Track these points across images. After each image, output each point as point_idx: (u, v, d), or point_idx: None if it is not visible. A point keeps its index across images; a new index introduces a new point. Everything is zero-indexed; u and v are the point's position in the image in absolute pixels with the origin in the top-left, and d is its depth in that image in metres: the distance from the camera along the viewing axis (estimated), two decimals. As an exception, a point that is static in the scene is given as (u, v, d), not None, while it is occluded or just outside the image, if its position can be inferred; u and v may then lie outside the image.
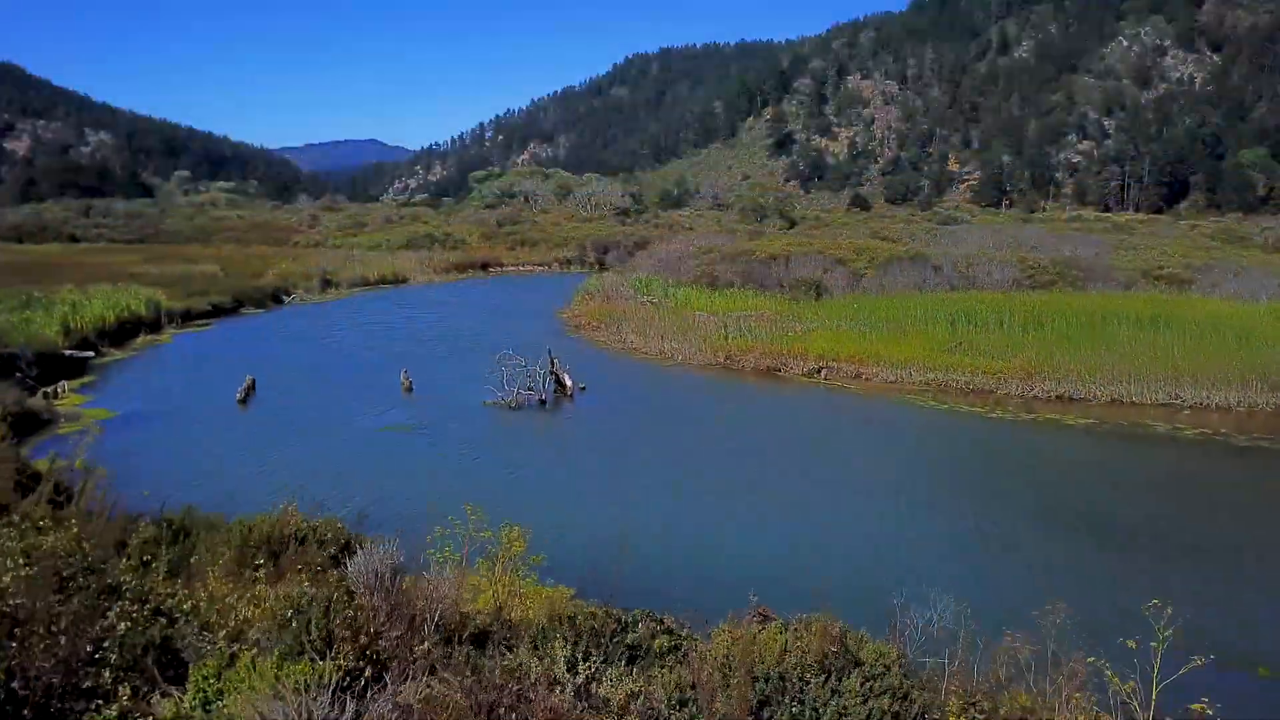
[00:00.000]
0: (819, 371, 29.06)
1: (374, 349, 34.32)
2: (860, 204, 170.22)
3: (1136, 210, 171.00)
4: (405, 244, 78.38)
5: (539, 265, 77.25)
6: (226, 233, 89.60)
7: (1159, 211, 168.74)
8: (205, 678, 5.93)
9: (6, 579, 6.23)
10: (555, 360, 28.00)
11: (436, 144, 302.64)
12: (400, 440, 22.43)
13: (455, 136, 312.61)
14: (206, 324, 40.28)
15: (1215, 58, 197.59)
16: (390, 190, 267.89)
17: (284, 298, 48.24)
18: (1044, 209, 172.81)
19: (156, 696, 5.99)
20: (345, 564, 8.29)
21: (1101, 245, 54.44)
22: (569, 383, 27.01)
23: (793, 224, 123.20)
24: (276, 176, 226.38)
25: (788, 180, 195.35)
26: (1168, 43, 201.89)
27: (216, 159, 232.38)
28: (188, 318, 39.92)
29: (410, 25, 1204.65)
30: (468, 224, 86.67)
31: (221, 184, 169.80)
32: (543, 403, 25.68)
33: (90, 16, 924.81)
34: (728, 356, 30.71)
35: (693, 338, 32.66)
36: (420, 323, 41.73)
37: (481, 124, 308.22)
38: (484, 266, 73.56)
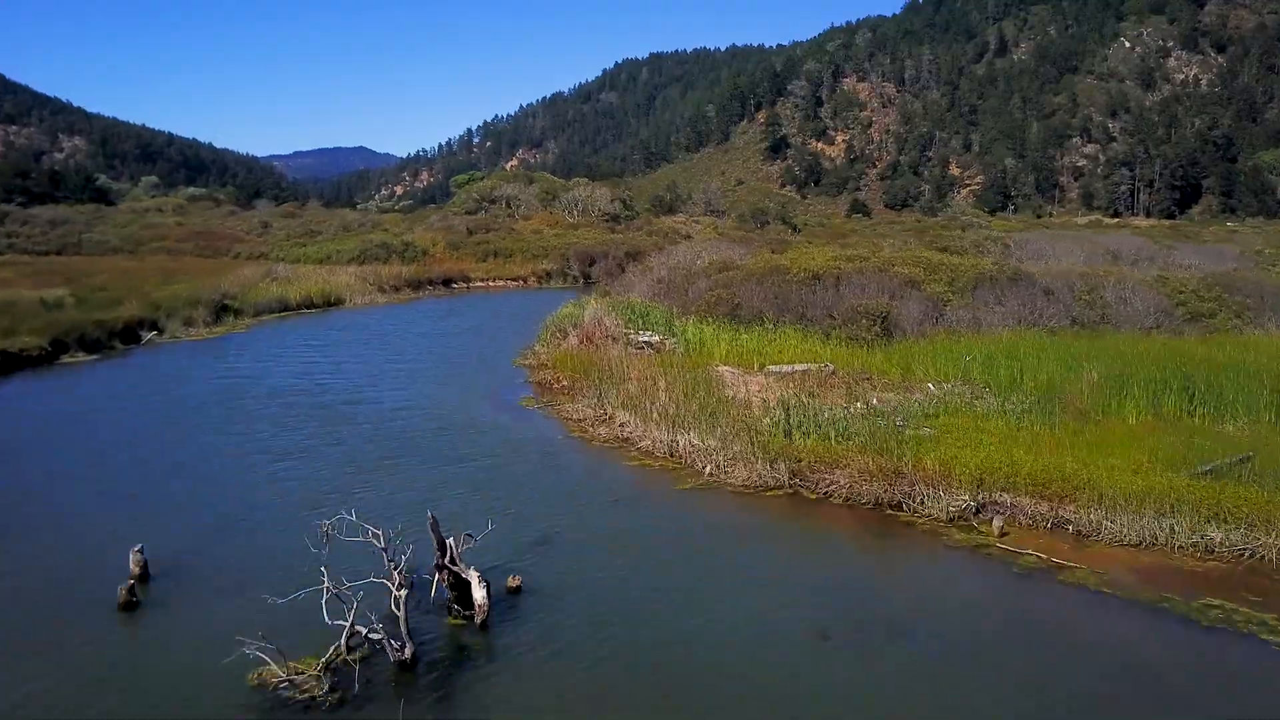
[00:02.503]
0: (978, 512, 14.77)
1: (147, 459, 19.45)
2: (860, 209, 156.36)
3: (1147, 215, 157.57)
4: (357, 255, 63.80)
5: (512, 280, 62.77)
6: (158, 242, 74.78)
7: (1171, 216, 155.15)
8: None
9: None
10: (447, 542, 11.65)
11: (424, 151, 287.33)
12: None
13: (443, 143, 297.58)
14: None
15: (1220, 58, 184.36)
16: (376, 198, 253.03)
17: (143, 335, 33.58)
18: (1050, 214, 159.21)
19: None
20: None
21: (1232, 257, 40.34)
22: (478, 594, 11.12)
23: (796, 230, 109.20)
24: (257, 184, 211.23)
25: (783, 185, 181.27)
26: (1170, 44, 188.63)
27: (194, 165, 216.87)
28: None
29: (398, 32, 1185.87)
30: (433, 231, 71.91)
31: (191, 190, 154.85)
32: (405, 664, 10.13)
33: (73, 23, 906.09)
34: (795, 473, 16.35)
35: (725, 424, 18.32)
36: (305, 379, 27.14)
37: (469, 130, 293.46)
38: (446, 282, 58.97)
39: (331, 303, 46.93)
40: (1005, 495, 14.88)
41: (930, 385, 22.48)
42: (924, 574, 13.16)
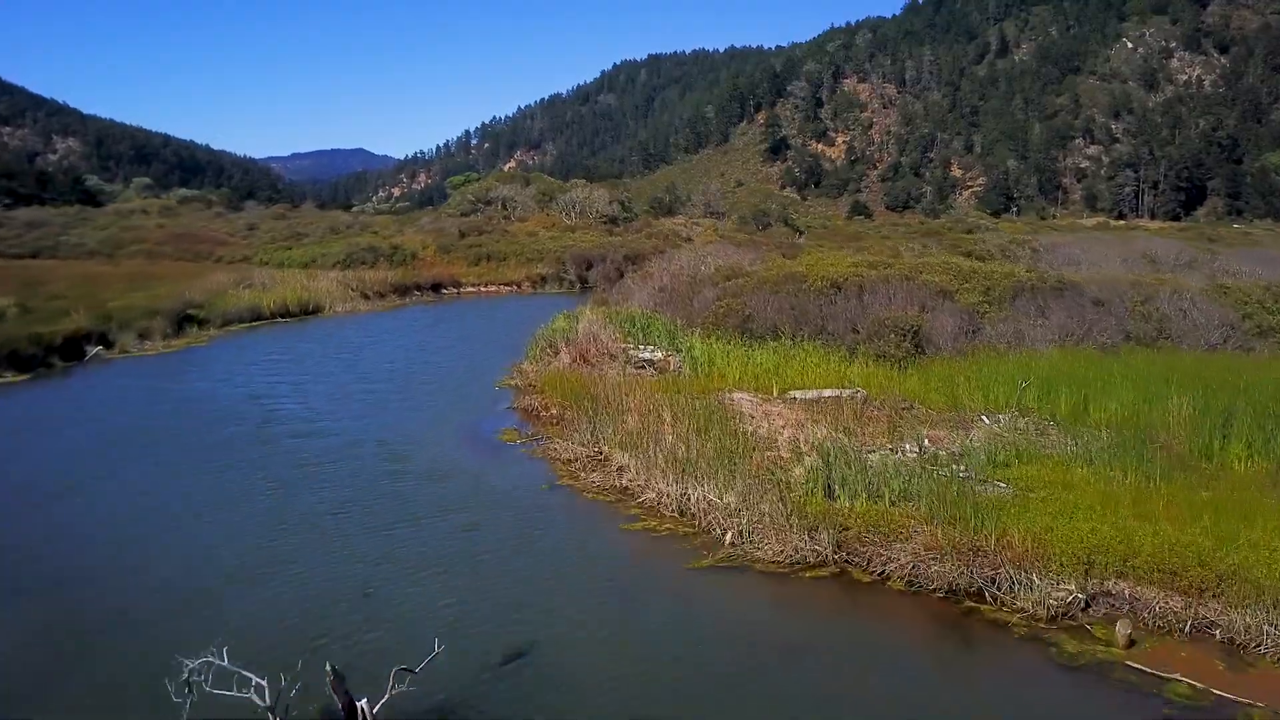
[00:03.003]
0: (1087, 607, 11.00)
1: (5, 530, 15.96)
2: (861, 211, 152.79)
3: (1152, 217, 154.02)
4: (343, 259, 60.09)
5: (506, 285, 59.09)
6: (138, 245, 71.08)
7: (1176, 218, 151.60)
8: None
9: None
10: (359, 706, 7.78)
11: (421, 153, 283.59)
12: None
13: (440, 145, 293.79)
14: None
15: (1223, 59, 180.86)
16: (374, 199, 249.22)
17: (88, 350, 29.82)
18: (1054, 216, 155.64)
19: None
20: None
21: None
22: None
23: (799, 232, 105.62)
24: (251, 186, 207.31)
25: (783, 186, 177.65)
26: (1173, 44, 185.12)
27: (189, 166, 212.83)
28: None
29: (397, 34, 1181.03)
30: (423, 234, 68.14)
31: (183, 191, 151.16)
32: None
33: (73, 24, 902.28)
34: (842, 544, 12.66)
35: (747, 473, 14.66)
36: (257, 404, 23.39)
37: (467, 132, 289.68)
38: (435, 288, 55.30)
39: (309, 311, 43.21)
40: (1122, 584, 11.20)
41: (983, 417, 18.81)
42: (1039, 715, 9.45)
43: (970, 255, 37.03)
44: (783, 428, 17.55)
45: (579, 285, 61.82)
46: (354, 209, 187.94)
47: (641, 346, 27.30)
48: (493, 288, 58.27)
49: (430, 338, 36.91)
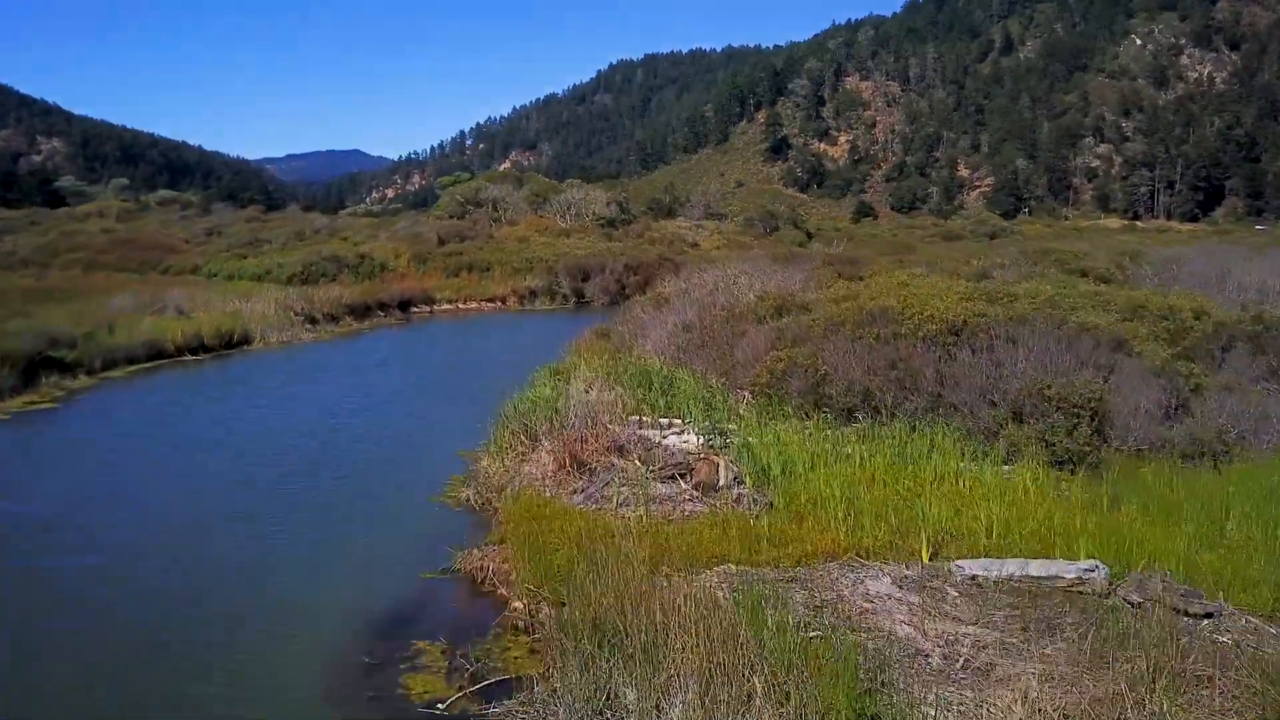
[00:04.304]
0: None
1: None
2: (866, 212, 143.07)
3: (1168, 217, 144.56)
4: (301, 271, 50.09)
5: (488, 302, 49.18)
6: (75, 253, 61.08)
7: (1194, 219, 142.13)
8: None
9: None
10: None
11: (416, 153, 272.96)
12: None
13: (435, 145, 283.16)
14: None
15: (1234, 56, 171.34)
16: (367, 200, 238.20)
17: None
18: (1066, 217, 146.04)
19: None
20: None
21: None
22: None
23: (810, 236, 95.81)
24: (229, 188, 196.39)
25: (785, 187, 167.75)
26: (1183, 41, 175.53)
27: (177, 168, 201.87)
28: None
29: (393, 34, 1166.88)
30: (397, 241, 57.83)
31: (161, 193, 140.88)
32: None
33: (68, 24, 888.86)
34: None
35: None
36: (32, 536, 13.56)
37: (462, 132, 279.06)
38: (403, 306, 45.28)
39: (233, 343, 33.10)
40: None
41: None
42: None
43: (1085, 275, 27.22)
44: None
45: (574, 300, 51.96)
46: (347, 209, 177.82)
47: (666, 424, 17.39)
48: (473, 304, 48.33)
49: (376, 383, 26.90)
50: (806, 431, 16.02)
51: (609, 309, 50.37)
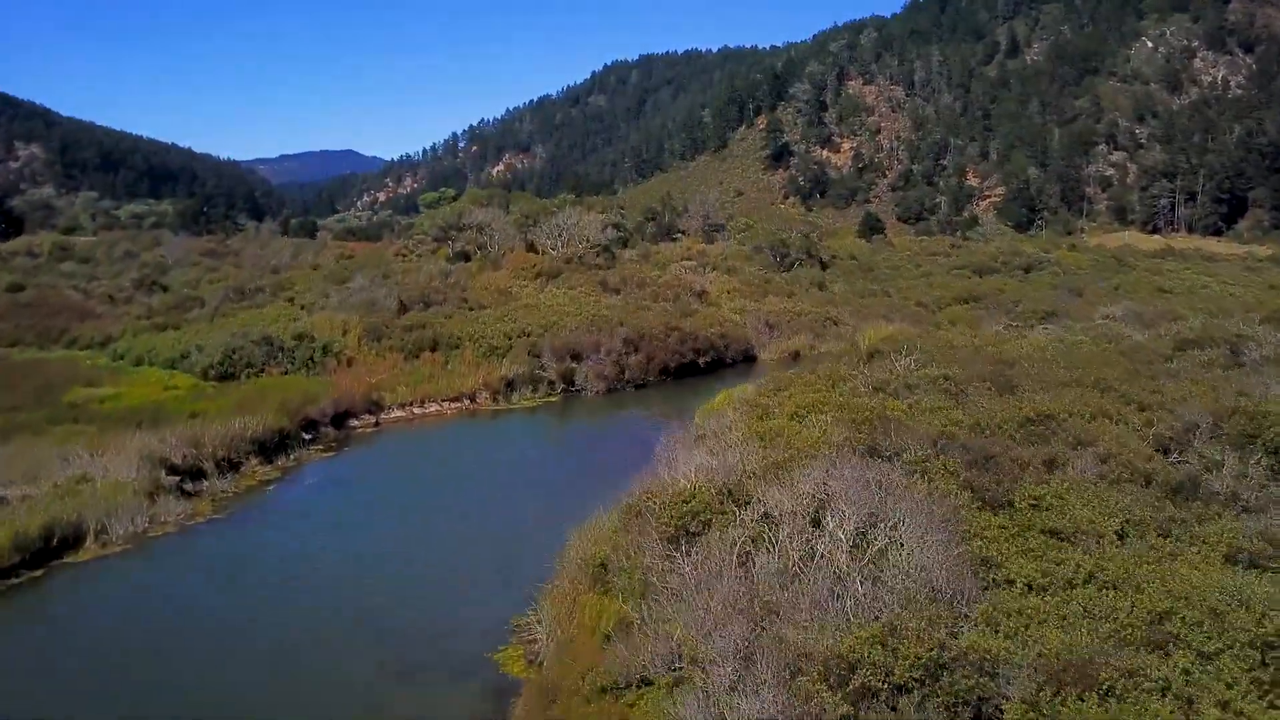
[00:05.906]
0: None
1: None
2: (874, 225, 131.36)
3: (1190, 230, 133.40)
4: (220, 360, 38.49)
5: (453, 403, 37.81)
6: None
7: (1217, 232, 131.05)
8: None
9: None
10: None
11: (408, 155, 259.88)
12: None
13: (428, 147, 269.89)
14: None
15: (1248, 59, 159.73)
16: (358, 204, 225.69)
17: None
18: (1081, 230, 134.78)
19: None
20: None
21: None
22: None
23: (824, 266, 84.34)
24: (229, 191, 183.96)
25: (786, 196, 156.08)
26: (1195, 43, 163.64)
27: (160, 173, 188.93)
28: None
29: (386, 33, 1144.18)
30: (347, 310, 45.87)
31: (132, 207, 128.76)
32: None
33: (62, 25, 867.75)
34: None
35: None
36: None
37: (455, 134, 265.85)
38: (339, 420, 33.83)
39: (47, 552, 21.30)
40: None
41: None
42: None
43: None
44: None
45: (561, 388, 40.69)
46: (335, 215, 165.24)
47: None
48: (433, 408, 36.93)
49: (237, 648, 15.60)
50: None
51: (606, 398, 39.19)
